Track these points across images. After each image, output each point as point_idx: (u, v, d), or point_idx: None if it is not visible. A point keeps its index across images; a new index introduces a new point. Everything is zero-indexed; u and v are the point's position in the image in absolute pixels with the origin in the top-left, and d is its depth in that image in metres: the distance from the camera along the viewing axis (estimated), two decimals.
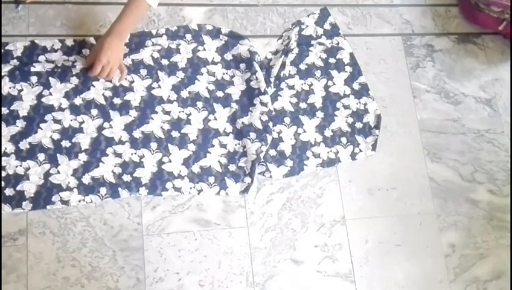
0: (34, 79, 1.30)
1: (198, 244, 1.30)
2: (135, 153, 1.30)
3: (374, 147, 1.45)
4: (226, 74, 1.42)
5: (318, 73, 1.49)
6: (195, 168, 1.32)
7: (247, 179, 1.34)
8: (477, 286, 1.41)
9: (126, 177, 1.28)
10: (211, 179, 1.33)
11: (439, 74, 1.59)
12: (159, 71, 1.38)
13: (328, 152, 1.42)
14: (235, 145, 1.36)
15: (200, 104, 1.38)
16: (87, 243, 1.24)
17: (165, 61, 1.39)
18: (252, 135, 1.36)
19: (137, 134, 1.31)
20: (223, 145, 1.36)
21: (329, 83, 1.49)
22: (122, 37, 1.28)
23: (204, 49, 1.43)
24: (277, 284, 1.31)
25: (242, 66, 1.44)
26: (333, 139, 1.44)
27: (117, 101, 1.33)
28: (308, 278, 1.33)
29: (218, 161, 1.34)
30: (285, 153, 1.39)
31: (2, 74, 1.28)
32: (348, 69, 1.52)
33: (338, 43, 1.54)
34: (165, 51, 1.40)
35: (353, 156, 1.43)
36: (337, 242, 1.37)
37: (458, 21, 1.67)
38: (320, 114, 1.45)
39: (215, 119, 1.37)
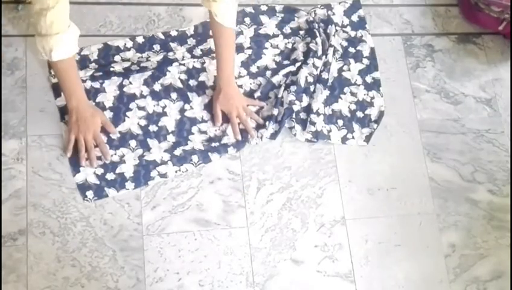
0: (113, 75, 1.36)
1: (198, 244, 1.30)
2: (115, 154, 1.31)
3: (367, 139, 1.45)
4: (288, 42, 1.50)
5: (338, 54, 1.51)
6: (178, 152, 1.34)
7: (232, 150, 1.36)
8: (477, 286, 1.41)
9: (110, 176, 1.28)
10: (195, 158, 1.33)
11: (439, 74, 1.59)
12: None
13: (323, 126, 1.42)
14: (215, 130, 1.37)
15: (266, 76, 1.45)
16: (87, 243, 1.24)
17: None
18: (292, 88, 1.41)
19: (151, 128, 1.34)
20: (203, 132, 1.37)
21: (345, 67, 1.51)
22: (233, 80, 1.36)
23: (265, 27, 1.50)
24: (277, 284, 1.31)
25: (301, 32, 1.51)
26: (330, 118, 1.44)
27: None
28: (308, 278, 1.33)
29: (201, 143, 1.36)
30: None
31: (84, 78, 1.33)
32: (366, 61, 1.53)
33: (362, 36, 1.55)
34: None
35: (344, 140, 1.44)
36: (337, 242, 1.37)
37: (458, 21, 1.67)
38: (326, 92, 1.46)
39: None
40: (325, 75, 1.45)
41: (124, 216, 1.28)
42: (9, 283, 1.19)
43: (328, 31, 1.51)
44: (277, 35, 1.49)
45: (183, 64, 1.40)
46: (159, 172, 1.31)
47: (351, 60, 1.52)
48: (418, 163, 1.48)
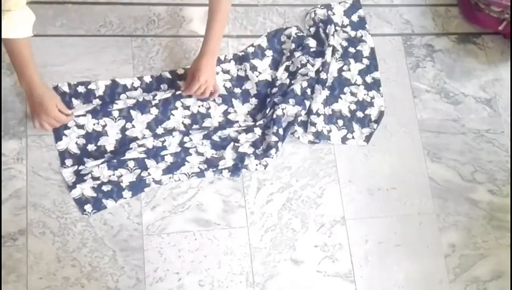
0: (115, 113, 1.33)
1: (198, 244, 1.30)
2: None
3: (367, 139, 1.46)
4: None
5: (338, 54, 1.51)
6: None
7: (227, 174, 1.34)
8: (477, 286, 1.41)
9: (106, 187, 1.27)
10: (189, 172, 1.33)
11: (439, 74, 1.59)
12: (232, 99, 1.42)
13: (323, 126, 1.42)
14: (212, 154, 1.35)
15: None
16: (87, 243, 1.24)
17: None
18: (291, 102, 1.39)
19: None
20: (200, 154, 1.35)
21: (345, 67, 1.51)
22: (216, 55, 1.33)
23: (261, 73, 1.46)
24: (277, 284, 1.31)
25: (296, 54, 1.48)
26: (330, 118, 1.44)
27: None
28: (308, 278, 1.33)
29: (198, 164, 1.34)
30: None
31: (84, 112, 1.31)
32: (366, 62, 1.53)
33: (362, 36, 1.55)
34: (236, 80, 1.44)
35: (344, 140, 1.44)
36: (337, 242, 1.37)
37: (458, 21, 1.67)
38: (325, 92, 1.45)
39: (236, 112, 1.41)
40: (323, 75, 1.45)
41: (124, 216, 1.28)
42: (9, 283, 1.19)
43: (327, 30, 1.51)
44: (276, 81, 1.44)
45: (188, 108, 1.37)
46: (153, 179, 1.30)
47: (351, 60, 1.52)
48: (418, 163, 1.48)
